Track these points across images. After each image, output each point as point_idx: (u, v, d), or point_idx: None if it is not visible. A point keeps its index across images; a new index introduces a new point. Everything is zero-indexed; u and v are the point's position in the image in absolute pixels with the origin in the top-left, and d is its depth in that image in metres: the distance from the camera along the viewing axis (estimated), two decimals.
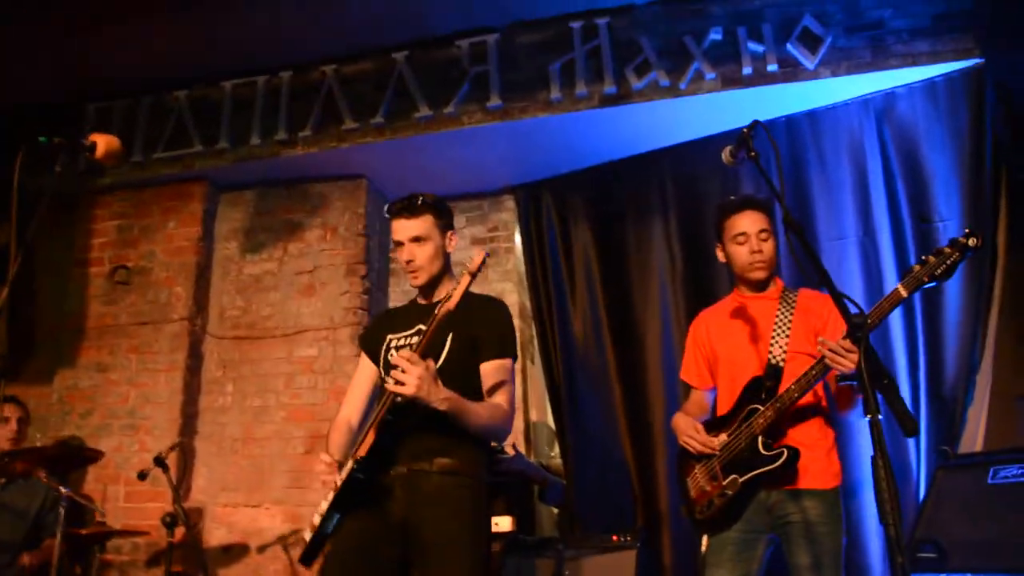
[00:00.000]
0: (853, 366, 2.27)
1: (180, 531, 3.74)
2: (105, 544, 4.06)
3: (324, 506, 2.34)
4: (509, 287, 5.19)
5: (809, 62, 4.18)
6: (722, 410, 2.78)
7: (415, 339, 2.43)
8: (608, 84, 4.38)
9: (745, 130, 2.22)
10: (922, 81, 4.15)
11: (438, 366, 2.25)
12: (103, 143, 2.16)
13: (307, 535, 2.38)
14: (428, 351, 2.23)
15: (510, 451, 4.32)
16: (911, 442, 3.75)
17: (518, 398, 4.93)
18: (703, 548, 2.75)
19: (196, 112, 5.01)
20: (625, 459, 4.40)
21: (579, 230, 4.91)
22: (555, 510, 4.62)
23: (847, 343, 2.30)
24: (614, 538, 3.37)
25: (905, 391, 3.82)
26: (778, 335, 2.71)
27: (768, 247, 2.76)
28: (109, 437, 4.68)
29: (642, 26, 4.46)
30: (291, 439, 4.65)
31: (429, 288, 2.59)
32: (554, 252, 4.94)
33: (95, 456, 3.80)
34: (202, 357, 4.92)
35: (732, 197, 2.95)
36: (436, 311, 2.19)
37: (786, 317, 2.74)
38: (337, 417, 2.68)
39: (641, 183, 4.77)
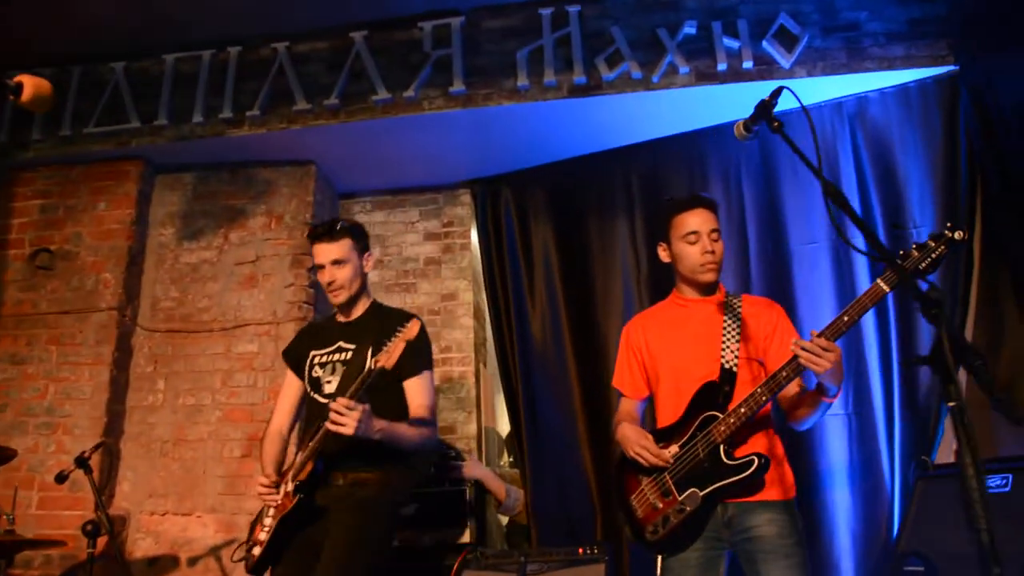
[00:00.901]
0: (831, 365, 2.17)
1: (103, 541, 3.36)
2: (13, 557, 3.62)
3: (270, 523, 2.64)
4: (463, 285, 4.94)
5: (785, 60, 4.08)
6: (667, 420, 2.59)
7: (336, 356, 2.81)
8: (578, 74, 4.20)
9: (767, 98, 2.03)
10: (895, 86, 4.09)
11: (363, 385, 2.46)
12: (31, 85, 1.87)
13: (256, 550, 2.66)
14: (356, 383, 2.46)
15: (466, 457, 4.09)
16: (884, 449, 3.67)
17: (471, 403, 4.70)
18: (659, 572, 2.57)
19: (134, 86, 4.63)
20: (584, 468, 4.19)
21: (540, 227, 4.71)
22: (504, 521, 4.38)
23: (823, 341, 2.18)
24: (580, 551, 3.15)
25: (878, 399, 3.74)
26: (728, 340, 2.57)
27: (719, 248, 2.64)
28: (23, 436, 4.24)
29: (614, 16, 4.31)
30: (227, 441, 4.30)
31: (348, 306, 2.87)
32: (513, 250, 4.72)
33: (6, 456, 3.39)
34: (131, 351, 4.53)
35: (675, 196, 2.81)
36: (370, 364, 2.41)
37: (733, 322, 2.60)
38: (269, 428, 2.95)
39: (607, 180, 4.59)
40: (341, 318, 2.92)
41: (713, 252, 2.60)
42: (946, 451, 3.52)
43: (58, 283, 4.51)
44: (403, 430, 2.61)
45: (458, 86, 4.27)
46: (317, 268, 2.86)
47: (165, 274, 4.66)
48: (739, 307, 2.65)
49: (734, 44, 4.14)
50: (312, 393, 2.83)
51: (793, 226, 4.13)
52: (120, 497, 4.30)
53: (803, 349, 2.20)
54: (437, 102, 4.32)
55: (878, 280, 2.20)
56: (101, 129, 4.57)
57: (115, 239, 4.54)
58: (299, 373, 2.93)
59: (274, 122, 4.45)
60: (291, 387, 2.97)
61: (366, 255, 2.89)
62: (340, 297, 2.82)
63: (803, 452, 3.77)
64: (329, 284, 2.81)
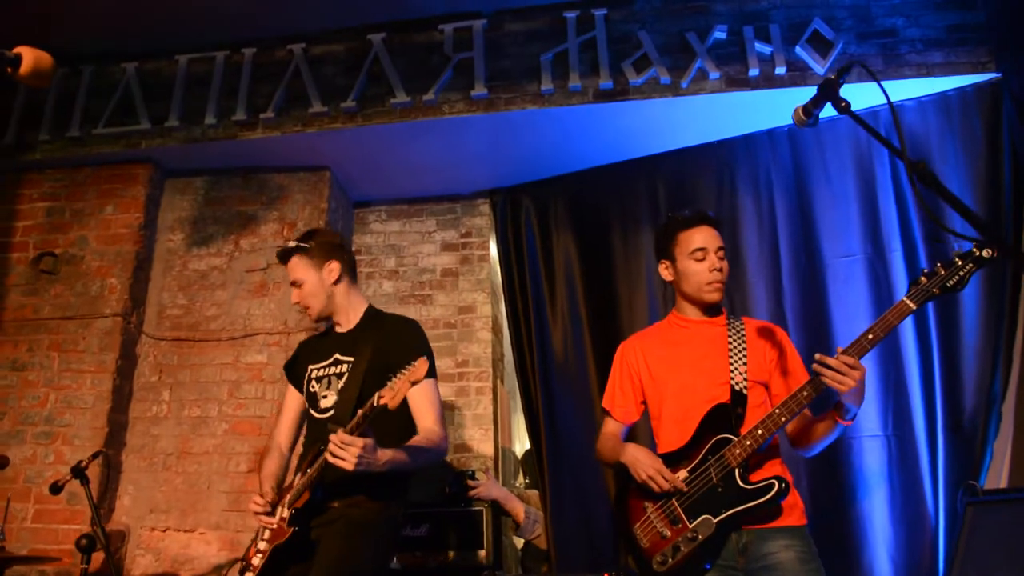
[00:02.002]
0: (855, 384, 2.06)
1: (99, 557, 3.17)
2: (4, 573, 3.46)
3: (264, 547, 2.50)
4: (482, 298, 4.77)
5: (819, 67, 3.94)
6: (671, 444, 2.42)
7: (332, 369, 2.68)
8: (604, 78, 4.06)
9: (832, 75, 1.87)
10: (933, 95, 3.94)
11: (365, 421, 2.29)
12: (30, 57, 1.72)
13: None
14: (357, 417, 2.28)
15: (482, 477, 3.90)
16: (927, 473, 3.47)
17: (488, 420, 4.51)
18: None
19: (145, 87, 4.50)
20: (607, 488, 4.00)
21: (561, 238, 4.55)
22: (519, 543, 4.18)
23: (848, 359, 2.05)
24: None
25: (919, 419, 3.54)
26: (736, 361, 2.42)
27: (726, 267, 2.52)
28: (20, 446, 4.07)
29: (641, 20, 4.19)
30: (233, 455, 4.12)
31: (332, 316, 2.78)
32: (533, 261, 4.56)
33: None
34: (135, 359, 4.36)
35: (679, 212, 2.64)
36: (373, 401, 2.20)
37: (739, 343, 2.47)
38: (270, 443, 2.85)
39: (631, 190, 4.44)
40: (338, 328, 2.80)
41: (720, 270, 2.48)
42: (995, 476, 3.31)
43: (62, 288, 4.35)
44: (413, 452, 2.43)
45: (479, 90, 4.13)
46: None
47: (173, 281, 4.50)
48: (743, 328, 2.52)
49: (766, 49, 4.01)
50: (310, 409, 2.71)
51: (827, 238, 3.96)
52: (120, 511, 4.11)
53: (826, 367, 2.07)
54: (458, 106, 4.18)
55: (904, 298, 2.10)
56: (110, 130, 4.43)
57: (122, 244, 4.39)
58: (299, 387, 2.83)
59: (288, 125, 4.31)
60: (292, 401, 2.87)
61: (326, 265, 2.73)
62: (311, 314, 2.77)
63: (837, 476, 3.60)
64: (295, 304, 2.79)
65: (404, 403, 2.45)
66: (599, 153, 4.47)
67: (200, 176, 4.68)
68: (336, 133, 4.29)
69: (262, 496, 2.56)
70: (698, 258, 2.47)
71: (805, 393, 2.19)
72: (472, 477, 3.82)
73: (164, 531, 4.06)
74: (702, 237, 2.49)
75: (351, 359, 2.65)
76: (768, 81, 3.99)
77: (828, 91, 1.84)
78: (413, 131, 4.26)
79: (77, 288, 4.33)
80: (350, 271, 2.80)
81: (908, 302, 2.07)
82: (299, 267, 2.72)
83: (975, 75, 3.87)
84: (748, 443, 2.24)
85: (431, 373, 2.57)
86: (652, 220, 4.34)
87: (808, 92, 4.05)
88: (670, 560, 2.27)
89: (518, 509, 3.88)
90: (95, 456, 3.23)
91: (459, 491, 3.74)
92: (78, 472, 3.10)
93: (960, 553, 2.84)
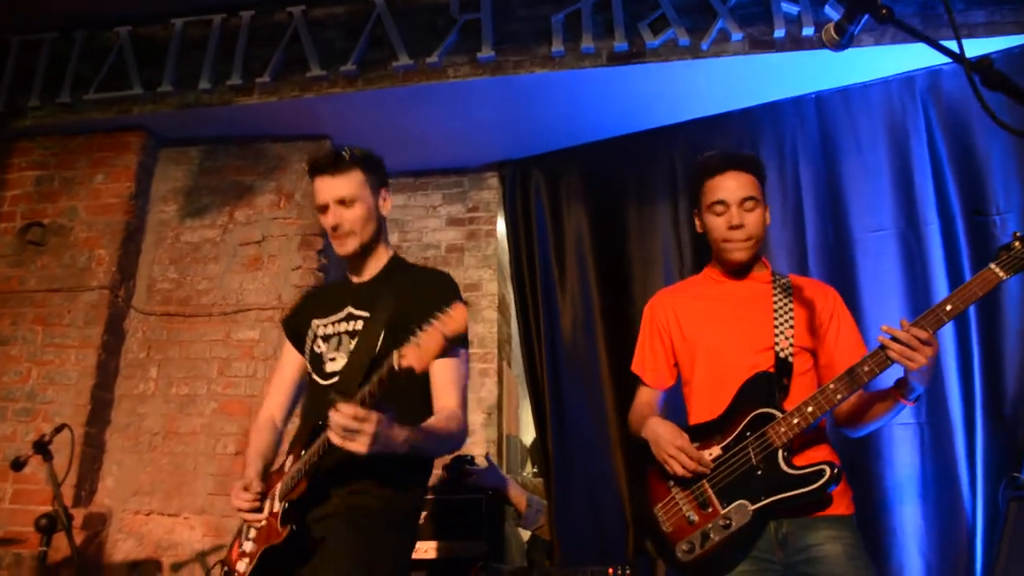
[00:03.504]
0: (926, 361, 1.79)
1: (63, 539, 2.94)
2: None
3: (251, 548, 2.03)
4: (488, 275, 4.53)
5: (851, 27, 3.64)
6: (703, 415, 2.14)
7: (344, 326, 2.17)
8: (619, 40, 3.81)
9: None
10: (974, 58, 3.63)
11: (382, 389, 1.76)
12: None
13: None
14: (371, 384, 1.76)
15: (482, 462, 3.65)
16: (963, 464, 3.17)
17: (492, 405, 4.27)
18: None
19: (139, 51, 4.31)
20: (617, 477, 3.73)
21: (573, 214, 4.28)
22: (526, 535, 3.92)
23: (920, 332, 1.78)
24: (610, 571, 2.70)
25: (956, 407, 3.24)
26: (782, 324, 2.13)
27: (753, 220, 2.18)
28: (1, 423, 3.89)
29: None
30: (221, 436, 3.90)
31: (360, 259, 2.25)
32: (543, 238, 4.30)
33: None
34: (123, 334, 4.16)
35: (712, 153, 2.31)
36: (394, 361, 1.67)
37: (786, 304, 2.17)
38: (260, 415, 2.35)
39: (647, 162, 4.16)
40: (353, 277, 2.30)
41: (742, 226, 2.16)
42: None
43: (49, 259, 4.17)
44: (432, 435, 1.98)
45: (487, 52, 3.89)
46: (319, 209, 2.24)
47: (164, 253, 4.30)
48: (790, 287, 2.22)
49: (793, 9, 3.73)
50: (312, 374, 2.23)
51: (856, 212, 3.67)
52: (103, 493, 3.91)
53: (895, 340, 1.80)
54: (463, 69, 3.94)
55: (992, 265, 1.83)
56: (102, 95, 4.25)
57: (112, 214, 4.20)
58: (299, 346, 2.32)
59: (286, 90, 4.10)
60: (289, 363, 2.36)
61: (382, 192, 2.26)
62: (348, 246, 2.20)
63: (864, 467, 3.30)
64: (334, 229, 2.19)
65: (425, 380, 2.10)
66: (613, 123, 4.21)
67: (195, 145, 4.49)
68: (336, 99, 4.07)
69: (246, 487, 2.05)
70: (718, 212, 2.18)
71: (867, 368, 1.91)
72: (471, 463, 3.57)
73: (148, 515, 3.85)
74: (725, 186, 2.17)
75: (367, 314, 2.15)
76: (795, 43, 3.72)
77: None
78: (416, 96, 4.03)
79: (64, 259, 4.15)
80: None
81: (997, 270, 1.81)
82: (356, 182, 2.18)
83: (1021, 35, 3.57)
84: (796, 421, 1.95)
85: (463, 344, 2.14)
86: (669, 195, 4.07)
87: (838, 56, 3.80)
88: (698, 548, 1.98)
89: (520, 498, 3.63)
90: (58, 430, 3.00)
91: (457, 477, 3.50)
92: (40, 447, 2.88)
93: (1004, 551, 2.58)
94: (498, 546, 3.50)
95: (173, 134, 4.46)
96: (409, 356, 1.64)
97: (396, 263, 2.30)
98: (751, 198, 2.18)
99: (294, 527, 1.95)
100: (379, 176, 2.27)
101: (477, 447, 4.15)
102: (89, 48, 4.40)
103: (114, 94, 4.25)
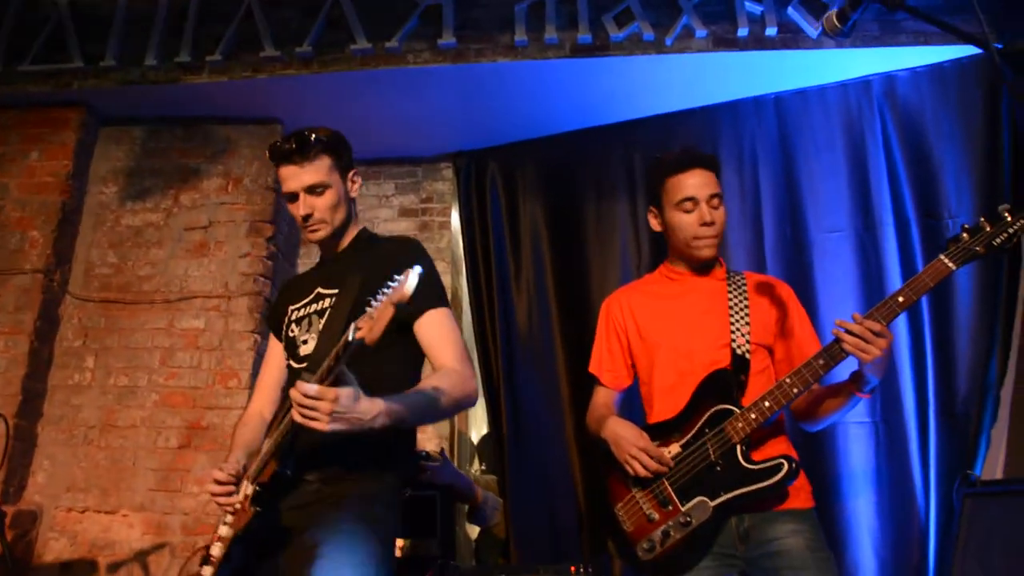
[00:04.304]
0: (880, 353, 1.83)
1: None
2: None
3: (226, 533, 1.97)
4: (441, 268, 4.42)
5: (812, 29, 3.70)
6: (662, 413, 2.15)
7: (313, 307, 2.14)
8: (583, 31, 3.77)
9: None
10: (928, 65, 3.72)
11: (339, 363, 1.68)
12: None
13: (207, 571, 1.97)
14: (329, 359, 1.70)
15: (437, 458, 3.56)
16: (917, 462, 3.23)
17: None
18: None
19: (80, 22, 4.08)
20: (572, 474, 3.69)
21: (529, 207, 4.22)
22: (474, 533, 3.86)
23: (874, 324, 1.82)
24: (572, 569, 2.66)
25: (910, 405, 3.30)
26: (737, 321, 2.15)
27: (720, 217, 2.22)
28: None
29: None
30: (163, 429, 3.74)
31: (332, 239, 2.20)
32: (498, 231, 4.23)
33: None
34: (57, 321, 3.95)
35: (672, 151, 2.32)
36: (348, 335, 1.61)
37: (741, 301, 2.19)
38: (248, 409, 2.29)
39: (606, 157, 4.14)
40: (324, 257, 2.30)
41: (713, 223, 2.19)
42: (992, 465, 3.08)
43: None
44: (423, 399, 1.89)
45: (448, 38, 3.81)
46: (287, 198, 2.16)
47: (103, 237, 4.10)
48: (744, 284, 2.24)
49: (756, 8, 3.75)
50: (289, 359, 2.17)
51: (814, 212, 3.71)
52: (32, 489, 3.71)
53: (849, 333, 1.83)
54: (423, 55, 3.85)
55: (941, 256, 1.87)
56: (38, 67, 4.02)
57: (47, 194, 3.98)
58: (279, 336, 2.27)
59: (238, 70, 3.94)
60: (273, 356, 2.30)
61: (350, 175, 2.20)
62: (321, 233, 2.15)
63: (819, 464, 3.33)
64: (305, 219, 2.12)
65: (409, 341, 2.06)
66: (574, 116, 4.16)
67: (138, 125, 4.28)
68: (289, 82, 3.93)
69: (222, 468, 1.98)
70: (686, 209, 2.19)
71: (821, 362, 1.93)
72: (426, 458, 3.49)
73: (82, 512, 3.67)
74: (693, 184, 2.19)
75: (335, 291, 2.10)
76: (758, 42, 3.74)
77: None
78: (373, 81, 3.92)
79: None
80: None
81: (946, 261, 1.86)
82: (324, 168, 2.10)
83: (974, 45, 3.64)
84: (753, 416, 1.97)
85: (442, 302, 2.08)
86: (628, 190, 4.06)
87: (800, 56, 3.83)
88: (658, 547, 1.99)
89: (476, 494, 3.56)
90: None
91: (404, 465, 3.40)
92: None
93: (960, 546, 2.63)
94: (451, 545, 3.43)
95: (115, 112, 4.25)
96: (363, 329, 1.59)
97: (363, 236, 2.26)
98: (717, 195, 2.21)
99: (259, 510, 1.91)
100: (346, 159, 2.20)
101: (430, 443, 4.06)
102: (23, 16, 4.15)
103: (52, 67, 4.02)
